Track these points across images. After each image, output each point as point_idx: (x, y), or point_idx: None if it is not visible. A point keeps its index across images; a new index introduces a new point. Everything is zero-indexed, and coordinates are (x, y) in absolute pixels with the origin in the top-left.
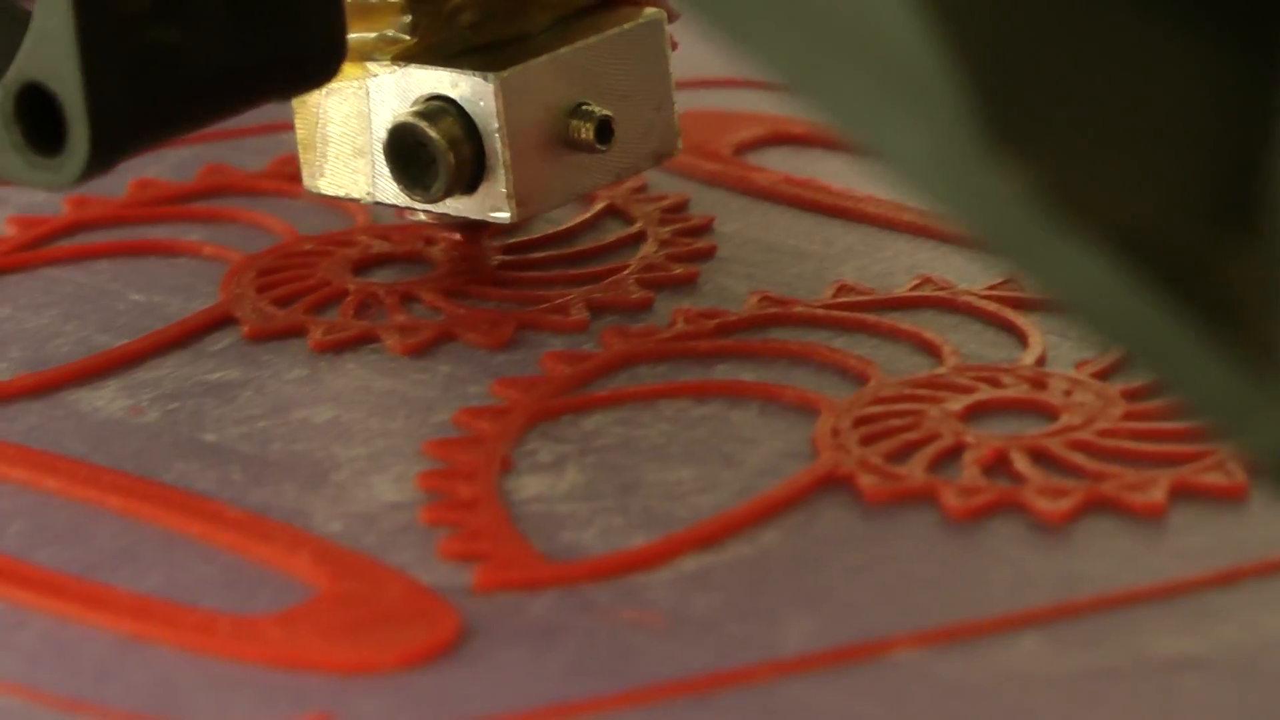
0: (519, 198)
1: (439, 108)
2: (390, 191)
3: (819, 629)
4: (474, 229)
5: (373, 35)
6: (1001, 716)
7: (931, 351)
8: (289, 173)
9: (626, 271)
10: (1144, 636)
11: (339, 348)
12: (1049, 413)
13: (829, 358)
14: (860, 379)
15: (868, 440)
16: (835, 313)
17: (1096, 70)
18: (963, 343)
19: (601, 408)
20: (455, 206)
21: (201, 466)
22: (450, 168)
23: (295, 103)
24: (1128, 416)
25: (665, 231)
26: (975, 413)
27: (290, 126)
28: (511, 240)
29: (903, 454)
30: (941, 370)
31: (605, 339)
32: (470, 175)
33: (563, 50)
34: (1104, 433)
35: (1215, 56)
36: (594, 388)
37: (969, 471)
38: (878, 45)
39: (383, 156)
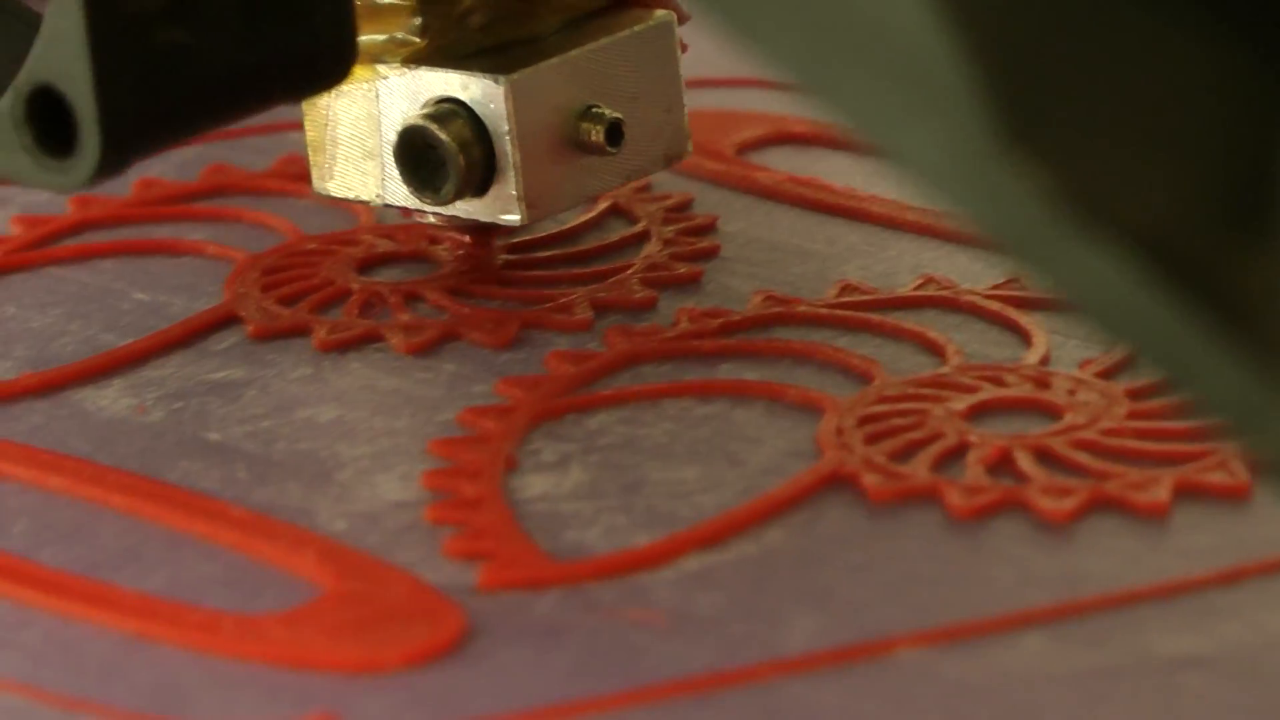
0: (529, 200)
1: (449, 110)
2: (400, 194)
3: (822, 628)
4: (483, 231)
5: (383, 37)
6: (1005, 716)
7: (935, 351)
8: (293, 172)
9: (630, 271)
10: (1148, 636)
11: (343, 347)
12: (1052, 412)
13: (833, 357)
14: (864, 378)
15: (871, 439)
16: (839, 312)
17: (1112, 71)
18: (966, 342)
19: (605, 407)
20: (465, 209)
21: (206, 466)
22: (460, 170)
23: (305, 105)
24: (1131, 416)
25: (669, 231)
26: (979, 412)
27: (294, 126)
28: (515, 240)
29: (906, 453)
30: (945, 370)
31: (609, 338)
32: (480, 178)
33: (573, 52)
34: (1107, 432)
35: (1230, 59)
36: (598, 387)
37: (973, 471)
38: (892, 44)
39: (393, 159)
